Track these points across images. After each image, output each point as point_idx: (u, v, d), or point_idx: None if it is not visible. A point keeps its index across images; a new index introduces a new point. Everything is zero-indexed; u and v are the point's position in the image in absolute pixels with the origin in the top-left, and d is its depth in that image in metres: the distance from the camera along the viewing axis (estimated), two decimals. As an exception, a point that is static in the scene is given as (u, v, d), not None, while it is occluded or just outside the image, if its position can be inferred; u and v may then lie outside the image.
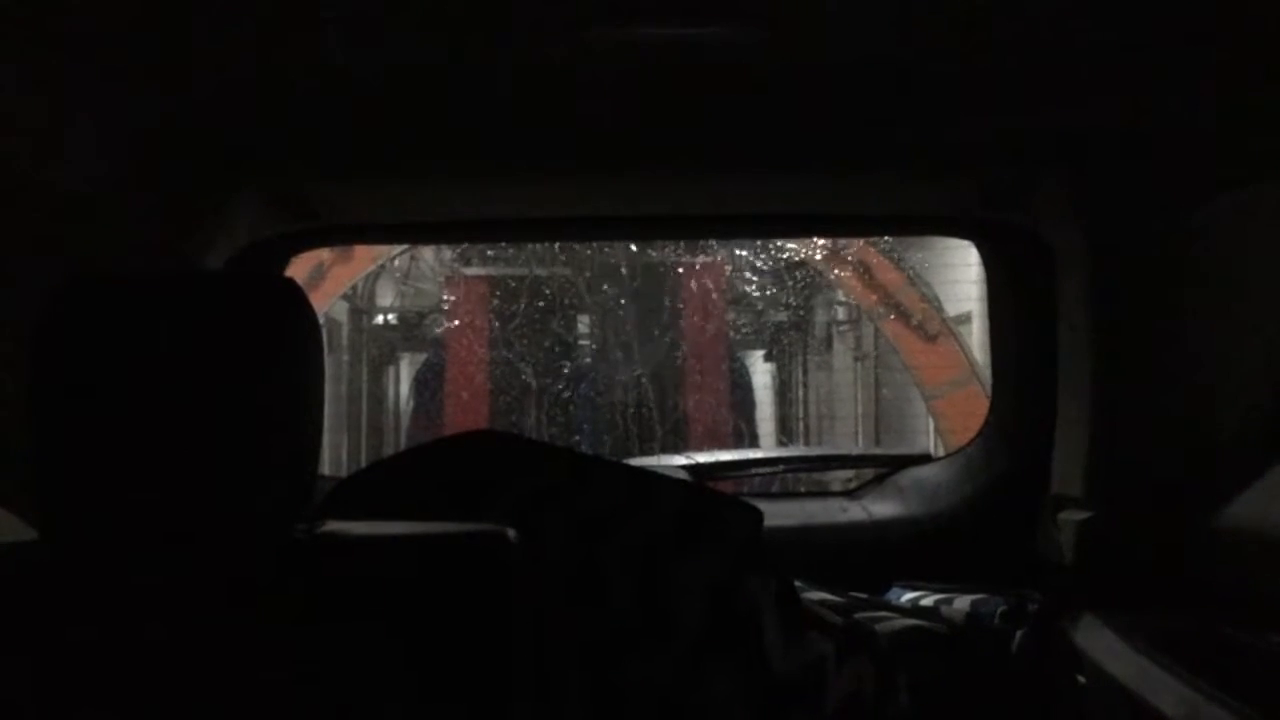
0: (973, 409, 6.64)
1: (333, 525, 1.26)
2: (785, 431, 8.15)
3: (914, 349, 7.15)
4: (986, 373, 7.09)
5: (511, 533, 1.23)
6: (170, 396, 1.13)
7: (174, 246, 1.94)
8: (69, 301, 1.16)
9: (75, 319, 1.15)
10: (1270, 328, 1.88)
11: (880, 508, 2.37)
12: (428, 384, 7.79)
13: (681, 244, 7.12)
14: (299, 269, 6.58)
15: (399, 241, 5.34)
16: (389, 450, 7.68)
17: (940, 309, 7.24)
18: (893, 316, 7.15)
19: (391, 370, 8.22)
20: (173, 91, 1.59)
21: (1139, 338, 1.92)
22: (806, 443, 8.05)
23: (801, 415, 8.20)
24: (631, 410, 7.17)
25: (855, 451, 3.28)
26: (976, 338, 7.72)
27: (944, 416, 6.95)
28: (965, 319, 7.85)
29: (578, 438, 7.07)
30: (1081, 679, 1.85)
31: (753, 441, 7.48)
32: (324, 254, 6.89)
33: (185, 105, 1.64)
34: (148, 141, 1.70)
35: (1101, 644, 1.81)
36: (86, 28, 1.38)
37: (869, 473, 2.55)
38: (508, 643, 1.19)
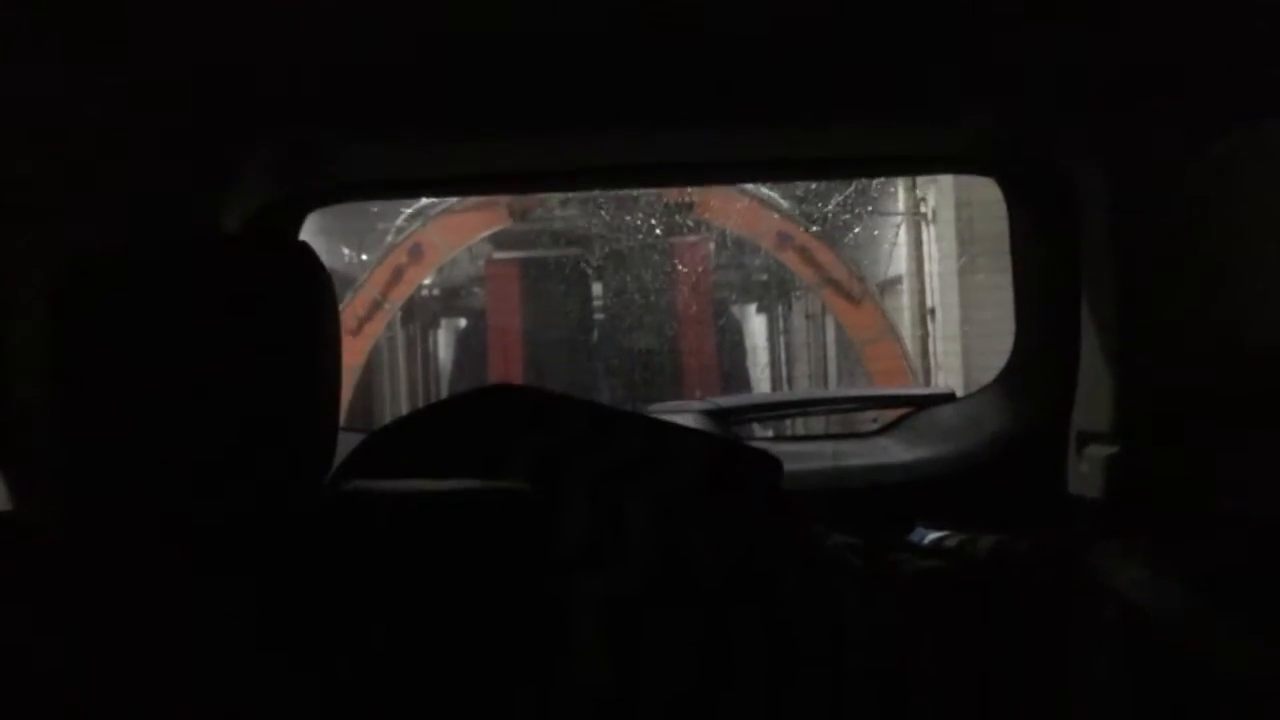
0: (888, 354, 6.95)
1: (355, 484, 1.07)
2: (774, 370, 8.22)
3: (844, 310, 7.13)
4: (902, 330, 7.32)
5: (530, 488, 1.05)
6: (188, 364, 0.92)
7: (186, 210, 1.52)
8: (81, 273, 0.93)
9: (88, 291, 0.93)
10: None
11: (903, 448, 1.86)
12: (468, 342, 7.71)
13: (672, 227, 6.85)
14: (381, 272, 6.56)
15: (412, 195, 4.91)
16: (433, 390, 7.72)
17: (863, 279, 7.25)
18: (827, 287, 7.12)
19: (433, 333, 8.15)
20: (179, 49, 1.23)
21: (1164, 271, 1.49)
22: (789, 379, 8.08)
23: (784, 359, 8.27)
24: (640, 359, 6.98)
25: (878, 392, 2.77)
26: (906, 294, 7.68)
27: (870, 360, 6.98)
28: (897, 280, 7.79)
29: (599, 381, 6.93)
30: (1108, 613, 1.44)
31: (742, 381, 7.34)
32: (402, 258, 6.71)
33: (192, 63, 1.27)
34: (155, 103, 1.34)
35: (1127, 578, 1.43)
36: None
37: (892, 413, 2.01)
38: (529, 598, 1.00)
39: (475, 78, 1.36)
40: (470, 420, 1.38)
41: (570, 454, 1.28)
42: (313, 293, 0.96)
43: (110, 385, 0.92)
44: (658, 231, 6.90)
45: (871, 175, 5.82)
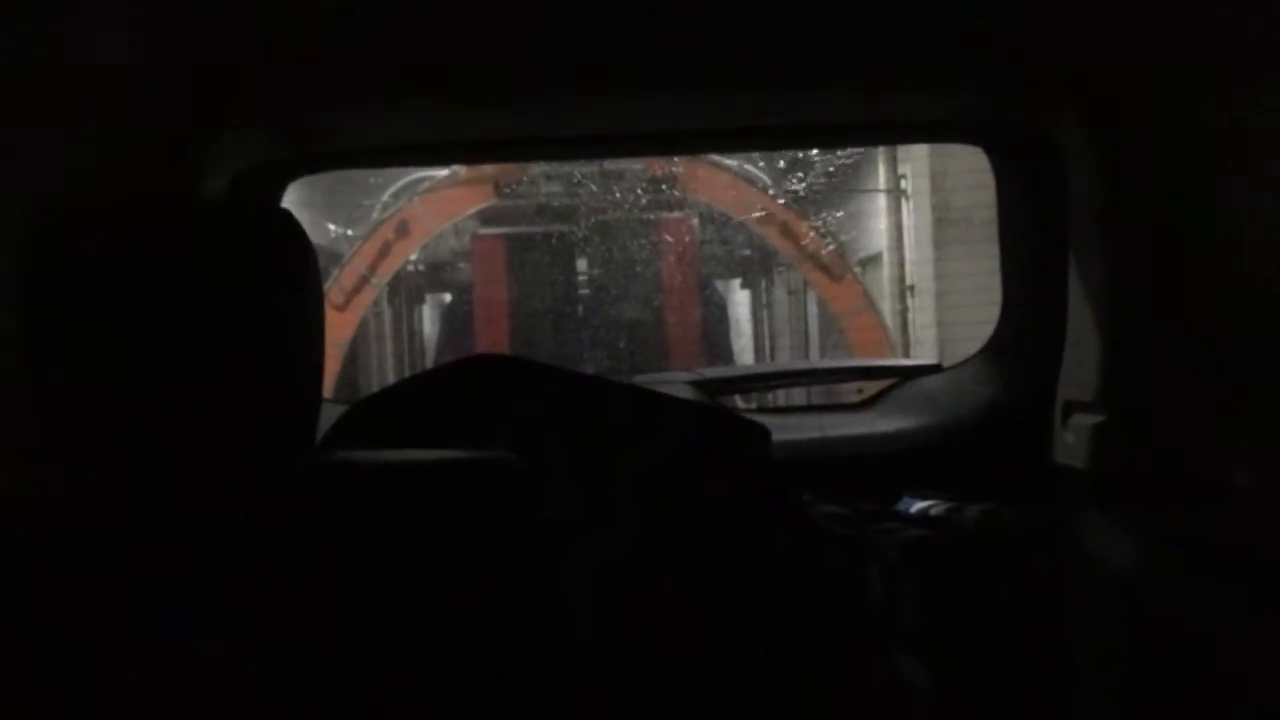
0: (869, 326, 6.85)
1: (339, 454, 1.05)
2: (757, 343, 8.15)
3: (824, 285, 7.04)
4: (881, 304, 7.33)
5: (518, 459, 0.99)
6: (168, 331, 0.87)
7: (165, 175, 1.46)
8: (59, 236, 0.89)
9: (66, 254, 0.88)
10: None
11: (890, 419, 1.81)
12: (454, 317, 7.63)
13: (658, 203, 6.79)
14: (368, 247, 6.44)
15: (396, 164, 4.76)
16: (419, 365, 7.62)
17: (844, 256, 7.17)
18: (807, 262, 7.03)
19: (418, 308, 8.05)
20: (160, 11, 1.17)
21: (1151, 242, 1.44)
22: (771, 352, 7.97)
23: (767, 332, 8.20)
24: (625, 334, 6.91)
25: (865, 363, 2.70)
26: (885, 271, 7.72)
27: (850, 333, 6.91)
28: (877, 258, 7.82)
29: (584, 354, 6.84)
30: (1092, 583, 1.44)
31: (725, 354, 7.27)
32: (389, 234, 6.61)
33: (173, 26, 1.21)
34: (134, 65, 1.27)
35: (1112, 547, 1.41)
36: None
37: (878, 384, 1.97)
38: (518, 569, 0.95)
39: (460, 45, 1.30)
40: (456, 390, 1.34)
41: (557, 424, 1.24)
42: (294, 259, 0.91)
43: (82, 353, 0.87)
44: (643, 203, 6.85)
45: (860, 144, 5.74)
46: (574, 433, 1.24)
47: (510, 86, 1.46)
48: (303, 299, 0.91)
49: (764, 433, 1.35)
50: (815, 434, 1.73)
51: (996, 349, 1.78)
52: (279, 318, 0.90)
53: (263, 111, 1.49)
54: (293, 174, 1.67)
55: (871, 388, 1.98)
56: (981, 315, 1.82)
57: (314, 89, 1.44)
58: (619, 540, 1.22)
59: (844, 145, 5.59)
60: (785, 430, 1.62)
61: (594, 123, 1.67)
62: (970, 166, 5.99)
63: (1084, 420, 1.51)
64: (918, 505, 1.61)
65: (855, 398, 2.03)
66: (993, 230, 1.77)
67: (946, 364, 1.93)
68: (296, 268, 0.91)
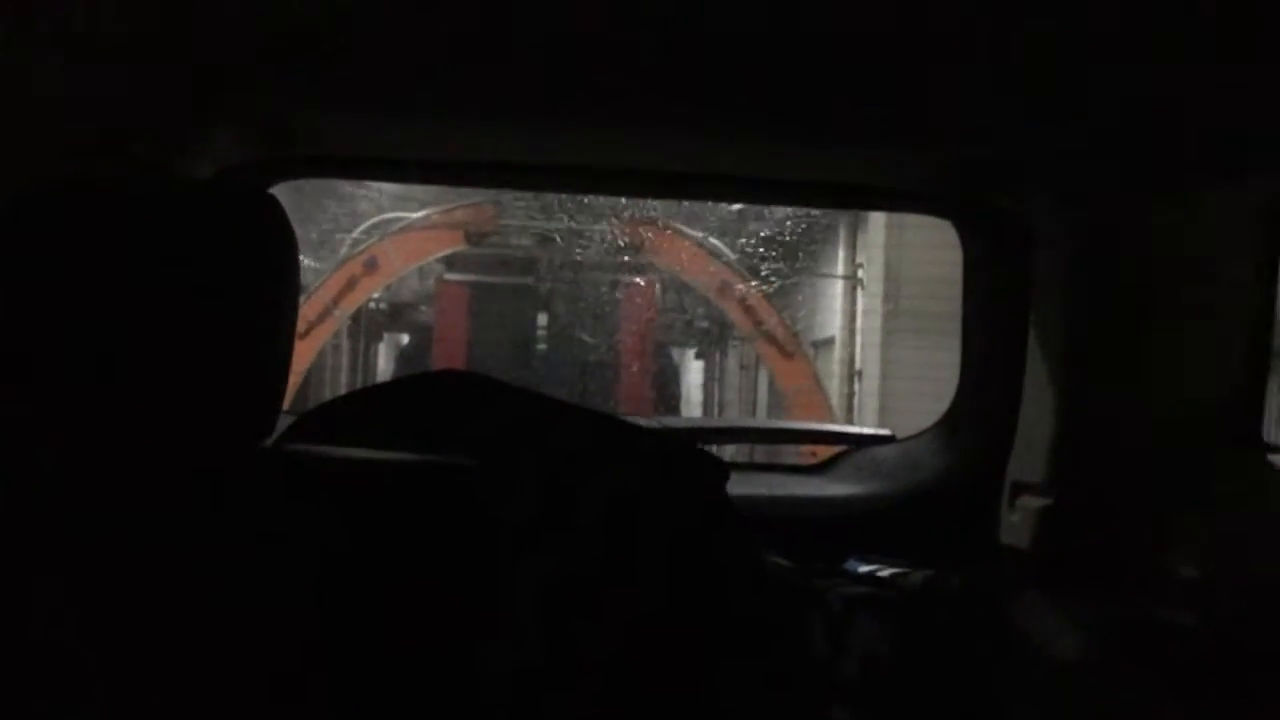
0: (816, 403, 6.93)
1: (296, 448, 0.99)
2: (706, 407, 8.18)
3: (776, 362, 7.12)
4: (829, 385, 7.35)
5: (477, 466, 0.96)
6: (138, 310, 0.83)
7: (146, 170, 1.40)
8: (35, 209, 0.85)
9: (41, 227, 0.84)
10: (1237, 327, 1.47)
11: (840, 484, 1.79)
12: (412, 356, 7.60)
13: (620, 267, 6.81)
14: (335, 280, 6.45)
15: (379, 178, 4.62)
16: None
17: (797, 335, 7.24)
18: (762, 338, 7.10)
19: (377, 345, 7.98)
20: (147, 6, 1.16)
21: (1110, 328, 1.48)
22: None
23: (717, 404, 8.22)
24: (580, 386, 6.87)
25: (821, 427, 2.68)
26: (836, 355, 7.76)
27: (797, 409, 6.94)
28: (829, 341, 7.88)
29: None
30: (1026, 658, 1.47)
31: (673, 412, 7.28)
32: (356, 269, 6.60)
33: (160, 21, 1.18)
34: (118, 59, 1.26)
35: (1047, 627, 1.44)
36: None
37: (831, 449, 1.96)
38: (472, 576, 0.93)
39: (454, 60, 1.29)
40: (416, 400, 1.31)
41: (520, 437, 1.21)
42: (275, 245, 0.88)
43: (53, 328, 0.83)
44: (608, 264, 6.86)
45: (829, 205, 5.72)
46: (537, 448, 1.21)
47: (504, 109, 1.44)
48: (280, 285, 0.88)
49: (723, 468, 1.33)
50: (765, 492, 1.71)
51: (950, 424, 1.78)
52: (254, 302, 0.86)
53: (249, 108, 1.45)
54: (274, 177, 1.63)
55: (825, 453, 1.96)
56: (926, 392, 1.82)
57: (302, 90, 1.41)
58: (574, 558, 1.20)
59: (813, 205, 5.60)
60: (735, 486, 1.61)
61: (577, 154, 1.65)
62: (925, 255, 6.12)
63: (1031, 502, 1.51)
64: (864, 568, 1.60)
65: (807, 461, 2.02)
66: (942, 323, 1.78)
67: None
68: (277, 254, 0.88)
